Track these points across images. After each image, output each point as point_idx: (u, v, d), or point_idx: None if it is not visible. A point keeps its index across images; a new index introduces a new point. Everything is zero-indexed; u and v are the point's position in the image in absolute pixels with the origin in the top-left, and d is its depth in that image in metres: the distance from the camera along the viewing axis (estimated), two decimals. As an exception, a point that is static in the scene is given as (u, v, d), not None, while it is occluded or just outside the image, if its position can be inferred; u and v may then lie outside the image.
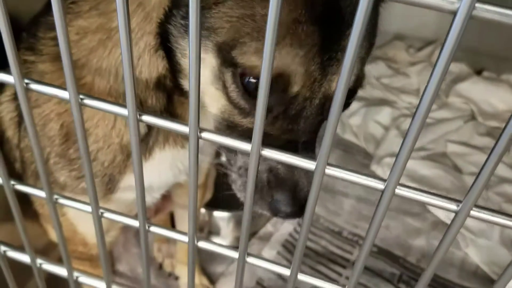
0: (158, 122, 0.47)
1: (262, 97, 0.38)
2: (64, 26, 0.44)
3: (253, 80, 0.56)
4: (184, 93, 0.68)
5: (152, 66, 0.66)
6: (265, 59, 0.36)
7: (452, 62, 1.39)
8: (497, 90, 1.74)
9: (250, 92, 0.57)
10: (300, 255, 0.51)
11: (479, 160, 1.54)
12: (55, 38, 0.68)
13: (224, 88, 0.59)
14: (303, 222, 0.48)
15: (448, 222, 1.39)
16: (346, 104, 0.71)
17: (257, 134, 0.42)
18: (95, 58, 0.67)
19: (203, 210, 1.33)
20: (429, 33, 1.90)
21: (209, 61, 0.59)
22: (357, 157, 1.69)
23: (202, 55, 0.59)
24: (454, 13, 0.31)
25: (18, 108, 0.76)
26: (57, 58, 0.69)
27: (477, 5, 0.30)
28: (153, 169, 0.75)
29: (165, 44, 0.63)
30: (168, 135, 0.75)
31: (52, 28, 0.69)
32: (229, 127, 0.63)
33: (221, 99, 0.61)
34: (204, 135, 0.47)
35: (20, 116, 0.76)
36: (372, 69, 1.88)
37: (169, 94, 0.70)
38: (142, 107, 0.69)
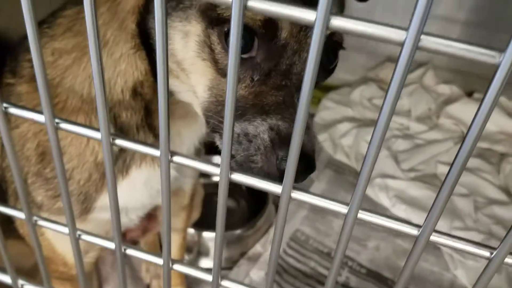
0: (131, 146, 0.49)
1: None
2: (40, 56, 0.46)
3: None
4: None
5: (128, 74, 0.67)
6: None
7: (444, 84, 1.42)
8: (487, 112, 1.75)
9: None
10: (272, 275, 0.52)
11: (469, 181, 1.55)
12: (31, 60, 0.70)
13: (211, 54, 0.59)
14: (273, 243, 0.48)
15: (438, 244, 1.39)
16: (330, 70, 0.72)
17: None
18: (70, 75, 0.69)
19: (192, 231, 1.33)
20: (420, 56, 1.92)
21: (194, 31, 0.59)
22: (348, 177, 1.70)
23: (186, 28, 0.60)
24: (401, 45, 0.33)
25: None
26: (33, 79, 0.71)
27: (423, 36, 0.32)
28: (129, 188, 0.76)
29: (145, 43, 0.65)
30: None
31: (29, 50, 0.71)
32: (219, 107, 0.62)
33: (209, 70, 0.61)
34: (176, 159, 0.48)
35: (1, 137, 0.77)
36: (364, 91, 1.90)
37: (146, 104, 0.71)
38: (116, 122, 0.70)
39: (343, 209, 0.44)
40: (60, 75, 0.69)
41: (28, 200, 0.60)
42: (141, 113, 0.70)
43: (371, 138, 0.37)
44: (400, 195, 1.54)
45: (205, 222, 1.31)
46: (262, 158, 0.58)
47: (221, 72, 0.60)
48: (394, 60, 2.23)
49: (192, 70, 0.62)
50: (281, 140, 0.57)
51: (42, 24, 0.71)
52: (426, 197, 1.51)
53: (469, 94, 1.87)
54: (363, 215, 0.44)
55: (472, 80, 1.87)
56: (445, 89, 1.86)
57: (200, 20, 0.58)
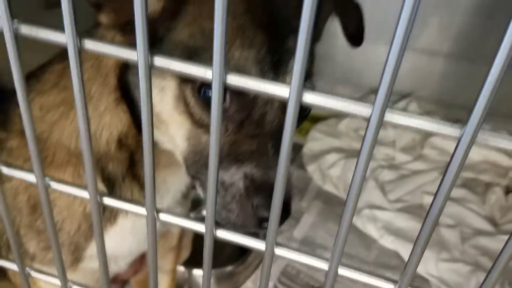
0: (118, 205, 0.50)
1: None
2: (31, 120, 0.48)
3: (209, 91, 0.60)
4: None
5: (113, 126, 0.70)
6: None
7: (428, 115, 1.43)
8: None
9: (210, 104, 0.61)
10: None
11: (455, 211, 1.58)
12: (19, 115, 0.73)
13: (186, 107, 0.62)
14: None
15: (427, 276, 1.41)
16: (304, 116, 0.73)
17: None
18: (58, 130, 0.71)
19: (182, 269, 1.34)
20: (403, 87, 1.97)
21: (169, 86, 0.62)
22: (337, 209, 1.72)
23: (162, 83, 0.63)
24: (368, 120, 0.35)
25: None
26: (23, 133, 0.74)
27: (387, 113, 0.35)
28: (117, 236, 0.78)
29: (126, 97, 0.68)
30: (132, 197, 0.77)
31: (17, 104, 0.74)
32: (197, 156, 0.64)
33: (186, 123, 0.64)
34: (162, 216, 0.50)
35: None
36: (350, 122, 1.94)
37: (131, 154, 0.74)
38: (103, 173, 0.73)
39: (324, 265, 0.46)
40: (49, 129, 0.71)
41: (21, 251, 0.61)
42: (126, 164, 0.73)
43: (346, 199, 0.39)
44: (388, 226, 1.55)
45: (195, 259, 1.32)
46: (238, 206, 0.60)
47: (197, 123, 0.63)
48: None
49: (170, 122, 0.65)
50: (256, 188, 0.60)
51: (31, 77, 0.74)
52: (412, 228, 1.53)
53: (453, 124, 1.92)
54: (343, 270, 0.45)
55: (455, 110, 1.92)
56: (429, 120, 1.90)
57: (174, 77, 0.61)
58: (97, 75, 0.68)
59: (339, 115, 2.02)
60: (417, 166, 1.75)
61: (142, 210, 0.49)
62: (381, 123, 0.35)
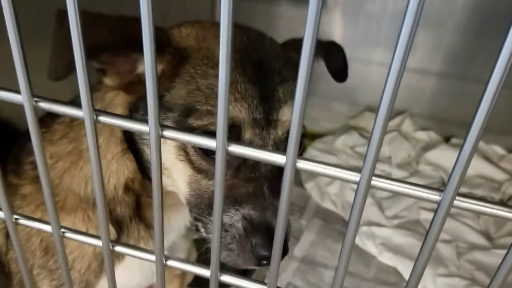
0: (130, 252, 0.54)
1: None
2: (47, 176, 0.51)
3: None
4: (151, 194, 0.76)
5: (120, 173, 0.75)
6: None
7: (422, 131, 1.52)
8: (465, 156, 1.83)
9: (207, 152, 0.66)
10: None
11: (451, 227, 1.61)
12: (33, 162, 0.78)
13: (186, 156, 0.67)
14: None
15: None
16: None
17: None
18: (68, 177, 0.76)
19: (186, 290, 1.37)
20: (397, 104, 1.99)
21: None
22: (336, 226, 1.76)
23: None
24: (357, 183, 0.39)
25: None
26: (35, 180, 0.79)
27: (374, 179, 0.39)
28: (125, 272, 0.82)
29: (131, 147, 0.73)
30: (139, 238, 0.82)
31: (31, 153, 0.79)
32: (198, 199, 0.69)
33: (186, 168, 0.68)
34: (170, 262, 0.53)
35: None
36: (347, 139, 1.98)
37: (137, 197, 0.79)
38: (112, 216, 0.77)
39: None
40: (59, 176, 0.76)
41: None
42: (133, 206, 0.77)
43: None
44: (386, 242, 1.59)
45: (199, 281, 1.35)
46: (238, 246, 0.65)
47: (197, 170, 0.68)
48: (373, 109, 2.32)
49: (172, 169, 0.70)
50: (254, 228, 0.64)
51: (41, 125, 0.78)
52: (410, 245, 1.56)
53: (447, 140, 1.96)
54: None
55: (448, 126, 1.97)
56: (423, 136, 1.95)
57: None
58: (104, 127, 0.73)
59: (335, 132, 2.07)
60: (413, 182, 1.79)
61: (151, 257, 0.53)
62: (368, 187, 0.39)
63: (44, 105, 0.44)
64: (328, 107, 2.13)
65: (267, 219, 0.64)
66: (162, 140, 0.68)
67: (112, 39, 0.59)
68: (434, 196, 0.37)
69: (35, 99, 0.44)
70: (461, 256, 1.52)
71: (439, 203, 0.37)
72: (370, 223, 1.66)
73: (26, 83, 0.42)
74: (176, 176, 0.70)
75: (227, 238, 0.64)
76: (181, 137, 0.42)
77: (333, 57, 0.84)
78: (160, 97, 0.65)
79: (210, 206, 0.67)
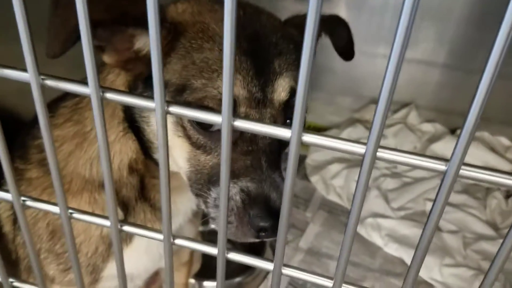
0: (137, 232, 0.55)
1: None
2: (53, 149, 0.52)
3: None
4: (155, 174, 0.77)
5: (123, 153, 0.76)
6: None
7: (427, 122, 1.52)
8: (471, 147, 1.82)
9: (204, 126, 0.66)
10: None
11: (457, 217, 1.61)
12: (38, 146, 0.79)
13: (184, 131, 0.68)
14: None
15: (431, 282, 1.44)
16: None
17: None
18: (73, 159, 0.76)
19: (192, 281, 1.37)
20: (402, 97, 2.01)
21: None
22: (341, 218, 1.76)
23: None
24: (363, 156, 0.39)
25: (13, 207, 0.83)
26: (40, 164, 0.79)
27: (380, 150, 0.39)
28: (132, 256, 0.82)
29: (132, 127, 0.74)
30: (145, 220, 0.82)
31: (36, 137, 0.79)
32: (198, 175, 0.70)
33: (185, 144, 0.69)
34: (178, 241, 0.54)
35: (15, 215, 0.83)
36: (352, 132, 1.98)
37: (141, 178, 0.79)
38: (118, 197, 0.77)
39: (328, 283, 0.50)
40: (65, 159, 0.76)
41: (42, 276, 0.65)
42: (138, 187, 0.78)
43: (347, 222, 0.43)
44: (392, 234, 1.59)
45: (205, 271, 1.36)
46: (236, 219, 0.65)
47: (195, 145, 0.68)
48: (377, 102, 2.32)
49: (172, 145, 0.70)
50: (251, 200, 0.64)
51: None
52: (416, 235, 1.56)
53: (453, 131, 1.96)
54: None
55: (454, 117, 1.96)
56: (429, 128, 1.94)
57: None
58: (107, 108, 0.74)
59: (340, 126, 2.07)
60: (419, 173, 1.79)
61: (159, 236, 0.53)
62: (374, 160, 0.39)
63: (51, 82, 0.44)
64: (332, 101, 2.13)
65: (264, 191, 0.64)
66: None
67: (108, 15, 0.59)
68: (440, 166, 0.37)
69: (42, 76, 0.44)
70: (468, 246, 1.52)
71: (445, 173, 0.37)
72: (376, 215, 1.66)
73: (33, 60, 0.43)
74: (175, 153, 0.71)
75: None
76: (186, 112, 0.42)
77: (338, 33, 0.83)
78: None
79: (209, 181, 0.67)
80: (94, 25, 0.59)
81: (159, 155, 0.45)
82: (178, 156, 0.71)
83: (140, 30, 0.63)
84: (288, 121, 0.72)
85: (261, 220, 0.63)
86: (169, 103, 0.41)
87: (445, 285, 1.42)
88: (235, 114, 0.67)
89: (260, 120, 0.67)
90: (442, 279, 1.44)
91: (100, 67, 0.76)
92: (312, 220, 1.73)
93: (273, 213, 0.64)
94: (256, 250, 1.53)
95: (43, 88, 0.45)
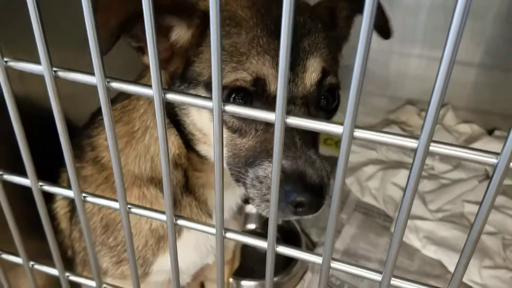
0: (191, 226, 0.58)
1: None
2: (116, 149, 0.55)
3: (237, 98, 0.68)
4: (197, 167, 0.80)
5: (168, 149, 0.79)
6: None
7: (464, 123, 1.50)
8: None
9: None
10: None
11: (496, 219, 1.59)
12: (91, 144, 0.83)
13: None
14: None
15: (470, 284, 1.42)
16: (332, 111, 0.77)
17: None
18: (123, 156, 0.81)
19: (230, 280, 1.40)
20: (438, 97, 1.99)
21: None
22: (378, 219, 1.75)
23: None
24: (415, 150, 0.41)
25: (70, 204, 0.88)
26: (93, 162, 0.84)
27: (432, 144, 0.40)
28: (181, 250, 0.85)
29: (173, 121, 0.77)
30: (191, 213, 0.85)
31: (90, 136, 0.84)
32: (236, 159, 0.72)
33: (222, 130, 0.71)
34: (229, 235, 0.56)
35: (71, 212, 0.88)
36: (387, 133, 1.97)
37: (185, 172, 0.82)
38: None
39: (377, 277, 0.51)
40: None
41: (97, 267, 0.69)
42: (183, 181, 0.81)
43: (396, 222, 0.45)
44: (430, 236, 1.58)
45: (242, 270, 1.38)
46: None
47: (231, 129, 0.71)
48: (413, 103, 2.29)
49: (210, 133, 0.73)
50: (287, 177, 0.65)
51: (98, 115, 0.84)
52: (455, 237, 1.55)
53: (490, 132, 1.93)
54: (395, 281, 0.51)
55: (491, 118, 1.93)
56: (466, 128, 1.92)
57: (206, 92, 0.70)
58: (149, 108, 0.79)
59: (375, 127, 2.06)
60: (457, 175, 1.77)
61: (211, 230, 0.56)
62: (426, 154, 0.40)
63: (116, 84, 0.47)
64: (366, 102, 2.12)
65: (299, 168, 0.64)
66: (197, 108, 0.72)
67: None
68: (491, 159, 0.39)
69: (107, 79, 0.47)
70: (507, 248, 1.49)
71: (495, 166, 0.39)
72: (414, 217, 1.65)
73: (99, 64, 0.46)
74: None
75: (262, 189, 0.66)
76: (240, 110, 0.44)
77: None
78: (191, 63, 0.69)
79: (246, 163, 0.69)
80: (133, 19, 0.62)
81: (213, 151, 0.48)
82: None
83: (176, 18, 0.67)
84: (322, 99, 0.73)
85: (297, 195, 0.63)
86: (223, 103, 0.44)
87: (484, 287, 1.40)
88: (264, 92, 0.68)
89: (291, 99, 0.68)
90: (482, 281, 1.42)
91: (142, 71, 0.80)
92: (348, 221, 1.73)
93: (309, 188, 0.64)
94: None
95: (108, 90, 0.48)
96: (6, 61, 0.49)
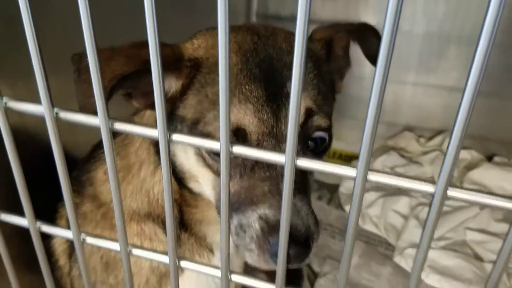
0: (196, 268, 0.55)
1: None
2: (118, 189, 0.53)
3: None
4: (190, 203, 0.80)
5: (160, 186, 0.78)
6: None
7: (464, 149, 1.47)
8: (509, 175, 1.79)
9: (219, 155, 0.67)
10: None
11: (499, 247, 1.56)
12: (89, 179, 0.82)
13: (205, 161, 0.70)
14: None
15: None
16: (321, 152, 0.75)
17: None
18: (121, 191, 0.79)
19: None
20: (436, 124, 1.99)
21: (189, 146, 0.70)
22: (379, 248, 1.73)
23: (183, 145, 0.71)
24: (432, 195, 0.39)
25: (68, 241, 0.86)
26: (93, 198, 0.82)
27: (450, 188, 0.39)
28: (184, 286, 0.83)
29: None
30: (193, 250, 0.83)
31: (89, 170, 0.83)
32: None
33: (208, 173, 0.71)
34: (234, 277, 0.54)
35: (70, 248, 0.86)
36: (386, 160, 1.96)
37: (179, 207, 0.82)
38: (163, 228, 0.80)
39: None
40: None
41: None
42: (178, 218, 0.80)
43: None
44: (433, 265, 1.55)
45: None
46: (257, 246, 0.64)
47: (217, 173, 0.69)
48: (411, 129, 2.28)
49: (198, 175, 0.73)
50: (270, 227, 0.63)
51: (98, 149, 0.83)
52: (458, 266, 1.52)
53: (489, 158, 1.92)
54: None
55: (489, 144, 1.93)
56: (465, 155, 1.91)
57: None
58: (144, 141, 0.80)
59: (373, 154, 2.05)
60: (458, 202, 1.75)
61: (217, 272, 0.54)
62: (445, 199, 0.39)
63: (119, 126, 0.46)
64: (363, 128, 2.12)
65: None
66: (184, 150, 0.71)
67: (131, 67, 0.62)
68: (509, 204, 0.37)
69: (111, 121, 0.46)
70: (511, 277, 1.47)
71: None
72: (415, 246, 1.62)
73: (103, 107, 0.45)
74: (202, 182, 0.74)
75: (245, 238, 0.64)
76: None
77: (368, 41, 0.81)
78: (176, 108, 0.69)
79: (232, 207, 0.67)
80: (120, 80, 0.61)
81: (221, 182, 0.46)
82: (205, 185, 0.74)
83: (165, 73, 0.66)
84: (310, 142, 0.72)
85: None
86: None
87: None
88: (245, 141, 0.67)
89: (274, 144, 0.67)
90: (488, 312, 1.38)
91: (136, 111, 0.80)
92: (349, 250, 1.70)
93: (295, 240, 0.62)
94: (293, 283, 1.51)
95: (111, 132, 0.47)
96: (5, 103, 0.47)
